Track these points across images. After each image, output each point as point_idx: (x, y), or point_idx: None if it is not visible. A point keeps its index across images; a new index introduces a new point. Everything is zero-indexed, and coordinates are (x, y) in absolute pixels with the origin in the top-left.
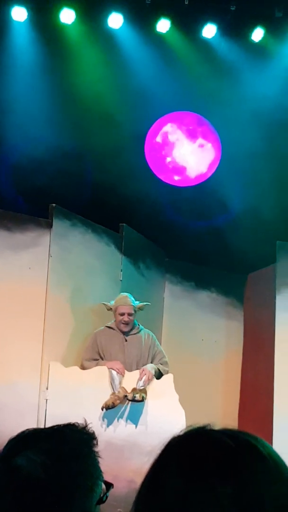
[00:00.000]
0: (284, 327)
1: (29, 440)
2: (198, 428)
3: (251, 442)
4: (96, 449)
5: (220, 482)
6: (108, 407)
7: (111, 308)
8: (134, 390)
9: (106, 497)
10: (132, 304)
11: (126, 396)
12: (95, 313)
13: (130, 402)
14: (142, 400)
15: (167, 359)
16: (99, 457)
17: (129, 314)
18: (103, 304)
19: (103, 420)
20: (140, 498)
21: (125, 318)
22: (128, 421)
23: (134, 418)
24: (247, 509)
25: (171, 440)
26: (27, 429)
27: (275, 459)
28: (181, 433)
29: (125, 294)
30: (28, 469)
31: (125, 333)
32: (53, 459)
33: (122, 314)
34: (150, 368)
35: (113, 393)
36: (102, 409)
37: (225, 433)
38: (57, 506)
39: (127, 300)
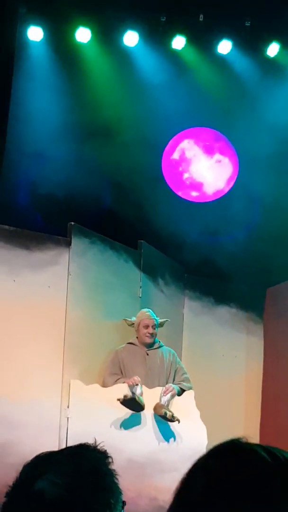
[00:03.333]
0: None
1: (46, 463)
2: (231, 441)
3: None
4: (112, 467)
5: (253, 506)
6: (125, 397)
7: (133, 324)
8: (157, 405)
9: None
10: (155, 317)
11: (158, 414)
12: (115, 330)
13: (150, 419)
14: (173, 420)
15: (188, 376)
16: (117, 474)
17: (153, 327)
18: (125, 320)
19: (125, 437)
20: (170, 510)
21: (150, 330)
22: (149, 438)
23: (155, 435)
24: None
25: (201, 457)
26: (41, 453)
27: None
28: (213, 449)
29: (147, 309)
30: (51, 492)
31: (147, 347)
32: (74, 480)
33: (147, 327)
34: (174, 386)
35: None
36: (118, 400)
37: (264, 448)
38: None
39: (150, 314)
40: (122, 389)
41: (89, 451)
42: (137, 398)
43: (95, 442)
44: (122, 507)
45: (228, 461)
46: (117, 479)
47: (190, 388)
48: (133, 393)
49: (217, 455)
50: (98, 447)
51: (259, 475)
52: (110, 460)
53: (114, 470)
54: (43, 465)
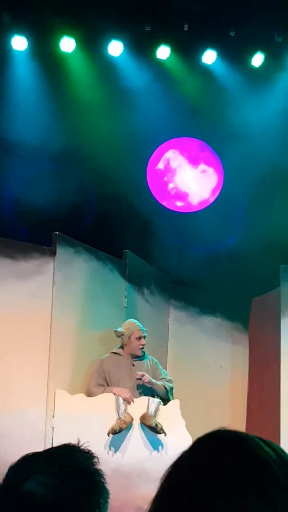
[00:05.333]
0: None
1: (33, 464)
2: (216, 430)
3: None
4: (99, 467)
5: (244, 490)
6: (114, 432)
7: (122, 335)
8: (146, 415)
9: None
10: (143, 329)
11: (148, 424)
12: (100, 340)
13: (136, 429)
14: (161, 432)
15: (171, 378)
16: (104, 474)
17: (144, 338)
18: (115, 331)
19: (110, 447)
20: (156, 497)
21: (143, 341)
22: (135, 448)
23: (141, 444)
24: None
25: (192, 443)
26: (27, 454)
27: None
28: (207, 435)
29: (134, 320)
30: (41, 493)
31: (133, 358)
32: (63, 480)
33: (140, 338)
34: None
35: (119, 418)
36: (108, 434)
37: (262, 441)
38: None
39: (140, 326)
40: (107, 400)
41: (74, 451)
42: (124, 427)
43: (78, 442)
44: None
45: (211, 449)
46: (104, 478)
47: (172, 389)
48: (120, 428)
49: (201, 444)
50: (82, 447)
51: (242, 463)
52: (96, 460)
53: (101, 470)
54: (30, 466)
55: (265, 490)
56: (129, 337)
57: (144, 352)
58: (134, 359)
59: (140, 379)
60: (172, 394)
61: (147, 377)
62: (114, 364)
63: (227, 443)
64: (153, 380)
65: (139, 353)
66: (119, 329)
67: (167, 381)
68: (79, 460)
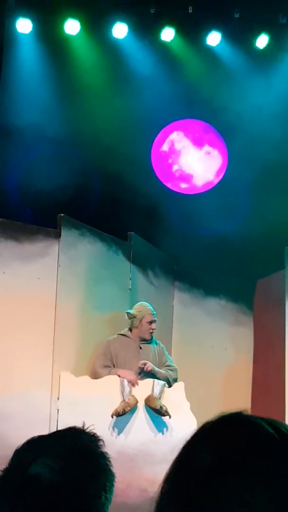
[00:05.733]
0: None
1: (39, 448)
2: (234, 413)
3: None
4: (104, 450)
5: (255, 470)
6: (118, 414)
7: (134, 317)
8: (151, 397)
9: None
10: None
11: (152, 406)
12: (105, 322)
13: (141, 411)
14: (165, 414)
15: (176, 367)
16: (109, 457)
17: (155, 322)
18: (127, 312)
19: (114, 429)
20: (169, 476)
21: (153, 326)
22: (140, 430)
23: (145, 427)
24: (283, 503)
25: (204, 424)
26: (32, 437)
27: None
28: (215, 419)
29: (147, 303)
30: (47, 476)
31: (141, 341)
32: (69, 463)
33: (151, 322)
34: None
35: (123, 401)
36: (112, 416)
37: (266, 421)
38: (81, 508)
39: (152, 309)
40: (112, 382)
41: (80, 434)
42: (128, 409)
43: (83, 425)
44: None
45: (237, 432)
46: (109, 461)
47: (175, 380)
48: (123, 410)
49: (225, 425)
50: (87, 431)
51: (267, 449)
52: (101, 443)
53: (106, 452)
54: (36, 449)
55: (270, 467)
56: (140, 320)
57: (152, 336)
58: (142, 342)
59: (143, 368)
60: (174, 383)
61: (150, 365)
62: (121, 346)
63: (237, 425)
64: (156, 369)
65: (148, 337)
66: (130, 311)
67: (172, 370)
68: (85, 443)
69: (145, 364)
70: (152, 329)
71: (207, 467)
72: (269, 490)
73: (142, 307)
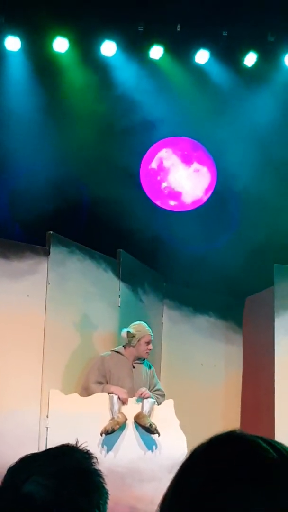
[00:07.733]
0: (284, 350)
1: (32, 466)
2: (230, 432)
3: None
4: (98, 467)
5: (253, 489)
6: (107, 432)
7: (133, 336)
8: (140, 414)
9: None
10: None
11: (142, 424)
12: (94, 339)
13: (130, 428)
14: (155, 432)
15: (164, 392)
16: (103, 474)
17: (152, 342)
18: (127, 332)
19: (104, 447)
20: (165, 501)
21: (150, 346)
22: (129, 447)
23: (135, 444)
24: None
25: (198, 446)
26: (25, 455)
27: None
28: (209, 439)
29: (145, 324)
30: (40, 495)
31: (134, 360)
32: (62, 481)
33: (148, 343)
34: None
35: (112, 418)
36: (101, 435)
37: (261, 439)
38: None
39: (150, 330)
40: (101, 400)
41: (73, 451)
42: (116, 427)
43: (76, 442)
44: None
45: (231, 452)
46: (103, 479)
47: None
48: (112, 429)
49: (218, 445)
50: (80, 448)
51: (264, 468)
52: (95, 460)
53: (99, 470)
54: (29, 467)
55: (268, 486)
56: (139, 340)
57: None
58: (135, 362)
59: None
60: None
61: (147, 393)
62: (115, 363)
63: (235, 444)
64: (152, 396)
65: (146, 356)
66: (130, 330)
67: (160, 395)
68: (78, 460)
69: (142, 393)
70: (149, 349)
71: (202, 488)
72: (269, 509)
73: (141, 327)
